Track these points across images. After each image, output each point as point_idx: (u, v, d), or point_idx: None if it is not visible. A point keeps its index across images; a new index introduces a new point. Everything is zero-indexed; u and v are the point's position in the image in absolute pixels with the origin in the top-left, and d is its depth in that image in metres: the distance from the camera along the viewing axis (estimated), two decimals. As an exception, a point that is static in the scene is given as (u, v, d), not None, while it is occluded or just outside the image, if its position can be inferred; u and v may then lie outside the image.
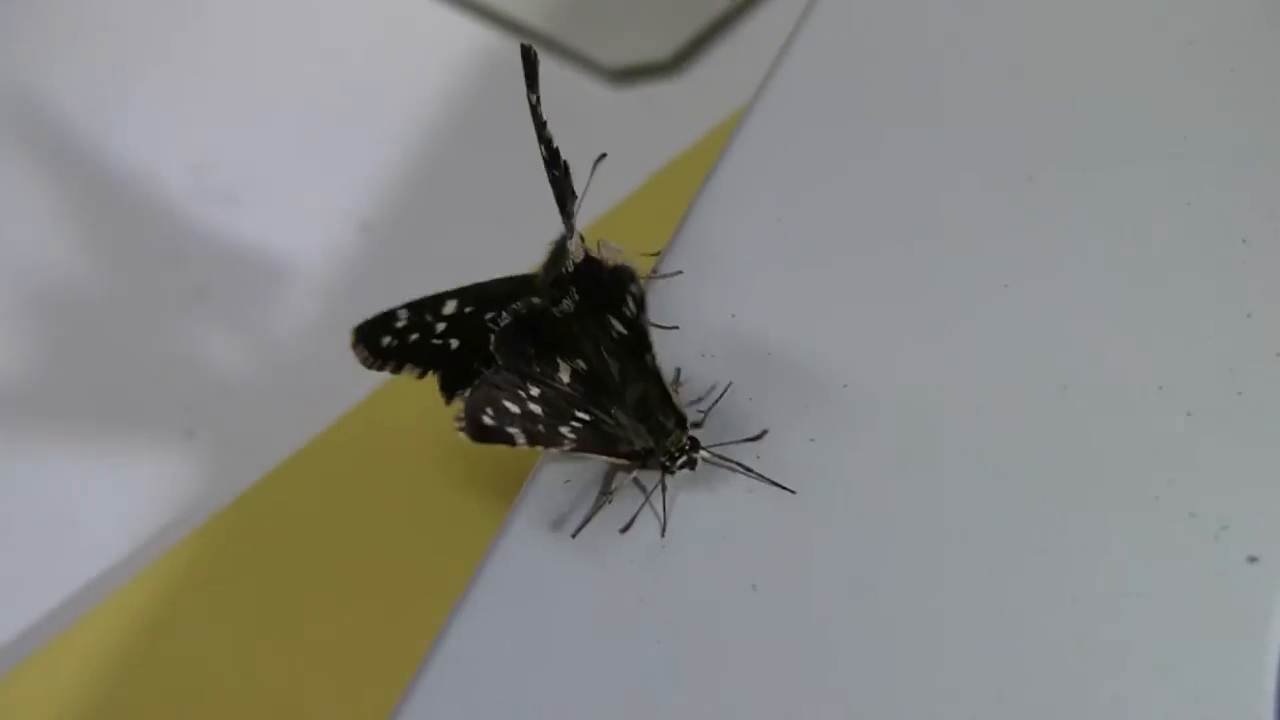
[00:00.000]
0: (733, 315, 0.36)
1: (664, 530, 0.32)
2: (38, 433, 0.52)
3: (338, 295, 0.53)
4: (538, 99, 0.37)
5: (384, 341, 0.36)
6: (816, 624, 0.31)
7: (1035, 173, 0.37)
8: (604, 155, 0.37)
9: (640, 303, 0.32)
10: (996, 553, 0.31)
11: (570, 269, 0.35)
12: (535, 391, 0.33)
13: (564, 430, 0.33)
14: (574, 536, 0.33)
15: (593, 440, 0.33)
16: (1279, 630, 0.29)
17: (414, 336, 0.36)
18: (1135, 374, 0.33)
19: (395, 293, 0.52)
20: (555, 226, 0.42)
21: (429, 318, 0.36)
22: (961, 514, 0.32)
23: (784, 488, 0.32)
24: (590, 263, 0.35)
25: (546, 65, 0.58)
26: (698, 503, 0.33)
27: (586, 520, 0.33)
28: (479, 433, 0.32)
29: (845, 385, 0.34)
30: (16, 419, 0.52)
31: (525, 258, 0.48)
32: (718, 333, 0.35)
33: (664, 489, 0.33)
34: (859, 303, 0.35)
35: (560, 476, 0.34)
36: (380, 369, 0.36)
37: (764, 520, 0.32)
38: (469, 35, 0.61)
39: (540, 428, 0.33)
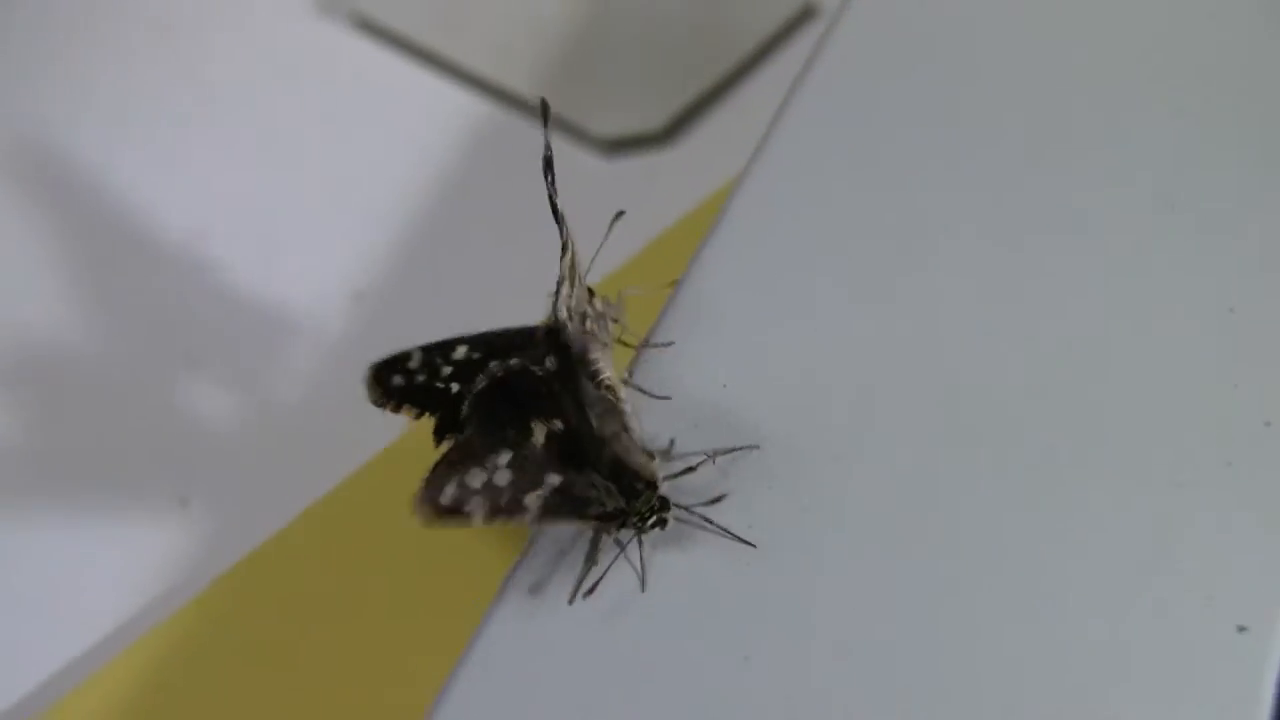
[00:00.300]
0: (724, 385, 0.36)
1: (643, 585, 0.33)
2: (31, 499, 0.52)
3: (330, 364, 0.53)
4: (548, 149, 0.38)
5: (394, 381, 0.36)
6: (810, 692, 0.31)
7: (1024, 239, 0.38)
8: (621, 213, 0.38)
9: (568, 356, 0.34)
10: (984, 620, 0.31)
11: (553, 324, 0.36)
12: (504, 459, 0.34)
13: (530, 499, 0.33)
14: (570, 604, 0.33)
15: (561, 506, 0.33)
16: (1267, 699, 0.29)
17: (421, 378, 0.36)
18: (1123, 444, 0.33)
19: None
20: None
21: (439, 360, 0.37)
22: (946, 583, 0.32)
23: (746, 542, 0.33)
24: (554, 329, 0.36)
25: (534, 133, 0.59)
26: (685, 561, 0.33)
27: (578, 588, 0.33)
28: (435, 514, 0.32)
29: (837, 457, 0.34)
30: (9, 484, 0.52)
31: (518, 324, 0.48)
32: (710, 403, 0.35)
33: (640, 546, 0.33)
34: (852, 373, 0.36)
35: (555, 547, 0.34)
36: (385, 407, 0.36)
37: (758, 584, 0.32)
38: (463, 106, 0.62)
39: (503, 500, 0.33)
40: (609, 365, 0.36)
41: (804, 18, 0.61)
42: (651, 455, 0.34)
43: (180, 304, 0.56)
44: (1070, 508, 0.33)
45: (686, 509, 0.34)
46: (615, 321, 0.38)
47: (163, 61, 0.65)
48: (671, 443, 0.35)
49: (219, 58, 0.65)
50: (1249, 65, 0.41)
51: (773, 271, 0.38)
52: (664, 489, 0.33)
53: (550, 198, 0.36)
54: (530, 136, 0.59)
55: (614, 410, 0.34)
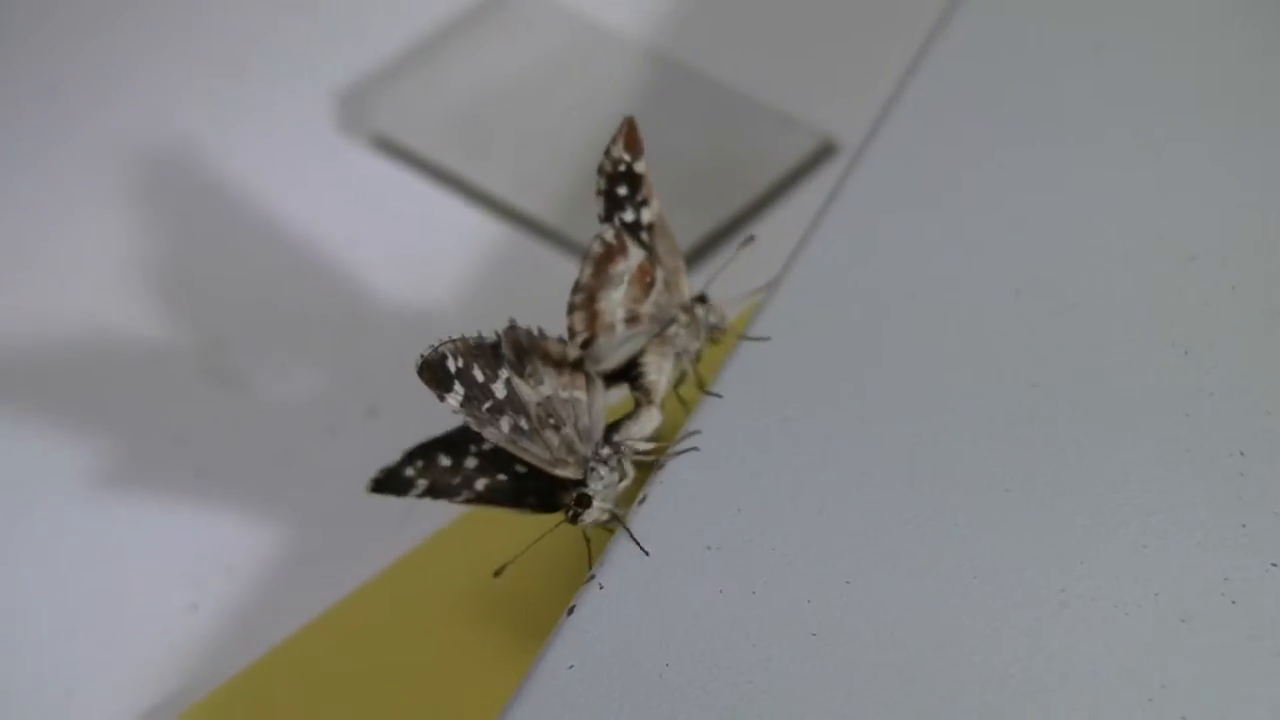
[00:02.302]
0: (739, 510, 0.36)
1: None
2: (36, 603, 0.52)
3: (343, 478, 0.54)
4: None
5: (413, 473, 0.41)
6: None
7: (1037, 380, 0.38)
8: (752, 237, 0.42)
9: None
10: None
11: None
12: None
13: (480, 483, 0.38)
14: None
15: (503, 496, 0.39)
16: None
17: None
18: (1131, 581, 0.34)
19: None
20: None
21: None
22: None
23: (644, 550, 0.35)
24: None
25: (553, 258, 0.59)
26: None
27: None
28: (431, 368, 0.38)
29: (848, 582, 0.34)
30: (16, 588, 0.52)
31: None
32: (723, 526, 0.36)
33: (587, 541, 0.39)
34: (862, 501, 0.36)
35: (564, 663, 0.34)
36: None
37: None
38: (482, 228, 0.62)
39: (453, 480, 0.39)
40: (659, 371, 0.38)
41: (824, 154, 0.62)
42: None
43: (193, 417, 0.57)
44: (1077, 642, 0.33)
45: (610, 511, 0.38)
46: (715, 329, 0.40)
47: (185, 177, 0.66)
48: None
49: (238, 173, 0.66)
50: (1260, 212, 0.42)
51: (788, 401, 0.39)
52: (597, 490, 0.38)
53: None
54: (547, 260, 0.60)
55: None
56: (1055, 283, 0.40)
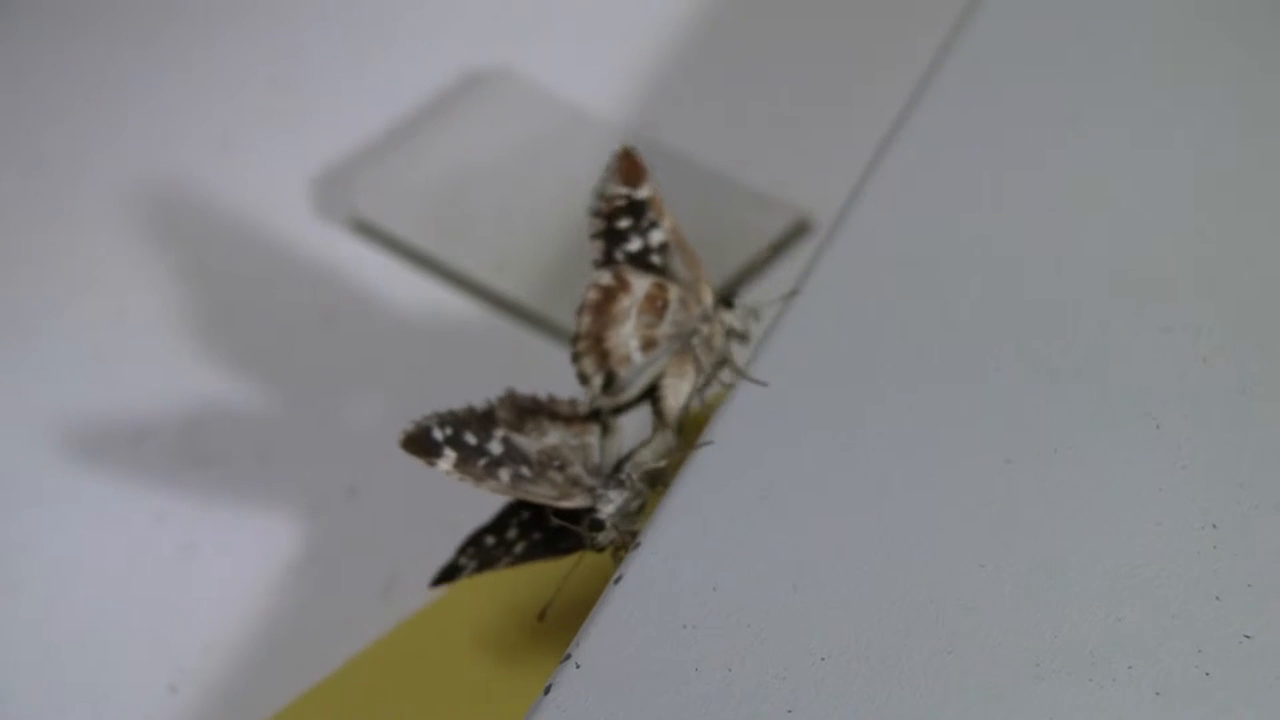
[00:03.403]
0: (715, 588, 0.36)
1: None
2: (14, 689, 0.52)
3: (323, 559, 0.54)
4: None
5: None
6: None
7: (1012, 457, 0.38)
8: (795, 291, 0.42)
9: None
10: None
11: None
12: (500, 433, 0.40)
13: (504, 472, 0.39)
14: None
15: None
16: None
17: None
18: (1105, 654, 0.34)
19: (382, 557, 0.53)
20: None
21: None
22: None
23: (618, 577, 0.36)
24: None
25: (533, 341, 0.60)
26: None
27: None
28: (418, 441, 0.39)
29: (823, 658, 0.35)
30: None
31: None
32: (700, 604, 0.36)
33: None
34: (837, 579, 0.36)
35: None
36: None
37: None
38: (460, 310, 0.62)
39: (481, 463, 0.40)
40: (676, 394, 0.38)
41: (799, 231, 0.62)
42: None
43: (174, 496, 0.57)
44: (1050, 715, 0.33)
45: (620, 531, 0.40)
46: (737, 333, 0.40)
47: (165, 258, 0.66)
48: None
49: (217, 254, 0.66)
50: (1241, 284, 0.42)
51: (765, 478, 0.39)
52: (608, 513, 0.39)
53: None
54: (526, 343, 0.60)
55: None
56: (1029, 357, 0.40)
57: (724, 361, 0.41)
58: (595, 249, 0.41)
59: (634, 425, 0.43)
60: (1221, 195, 0.44)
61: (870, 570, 0.36)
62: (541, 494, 0.39)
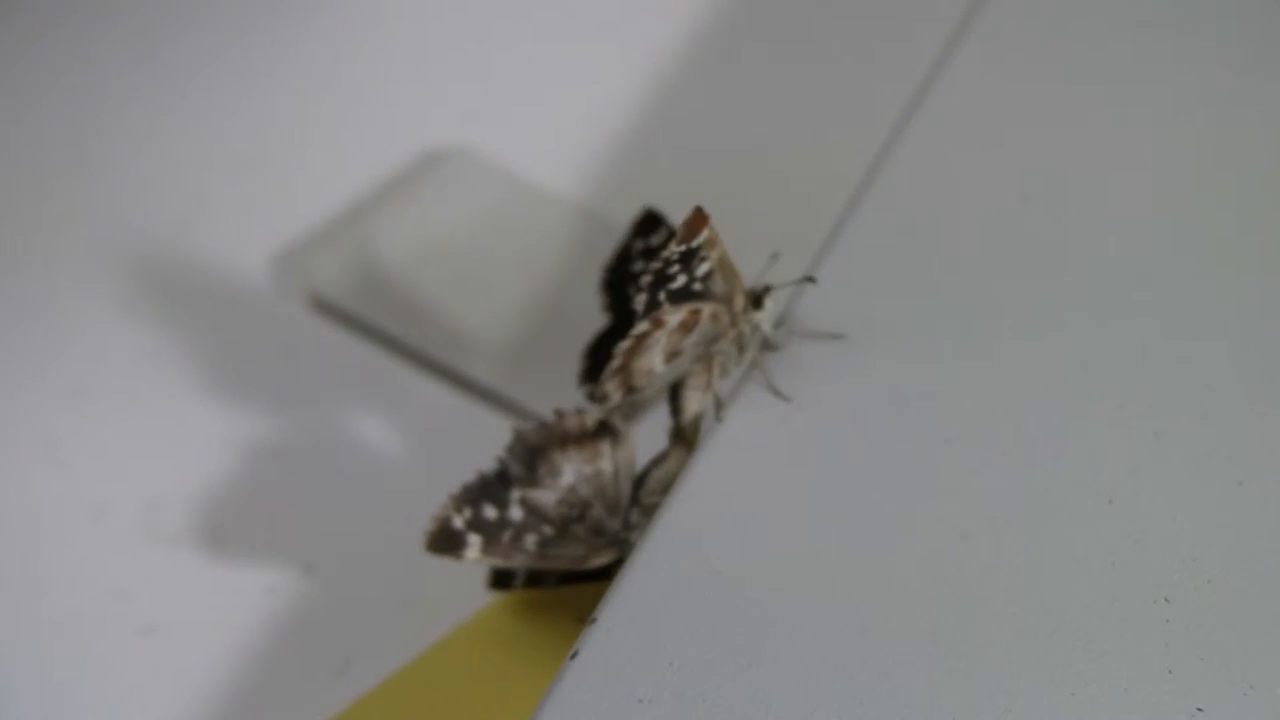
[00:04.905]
0: (671, 663, 0.36)
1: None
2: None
3: (280, 638, 0.54)
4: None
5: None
6: None
7: (968, 531, 0.38)
8: (812, 278, 0.42)
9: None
10: None
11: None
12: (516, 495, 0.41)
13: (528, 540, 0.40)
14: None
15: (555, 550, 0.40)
16: None
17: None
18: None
19: (339, 634, 0.53)
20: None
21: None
22: None
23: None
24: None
25: (494, 420, 0.60)
26: None
27: None
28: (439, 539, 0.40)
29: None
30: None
31: (470, 604, 0.49)
32: (655, 680, 0.36)
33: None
34: (791, 656, 0.36)
35: None
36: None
37: None
38: (419, 390, 0.63)
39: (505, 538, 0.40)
40: (697, 404, 0.39)
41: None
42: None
43: (135, 575, 0.57)
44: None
45: None
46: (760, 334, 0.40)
47: (123, 338, 0.66)
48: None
49: (178, 336, 0.66)
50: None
51: (719, 552, 0.39)
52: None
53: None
54: (484, 422, 0.60)
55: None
56: (983, 433, 0.41)
57: (752, 364, 0.41)
58: (639, 301, 0.39)
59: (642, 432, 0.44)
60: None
61: (823, 648, 0.36)
62: (569, 556, 0.40)
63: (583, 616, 0.38)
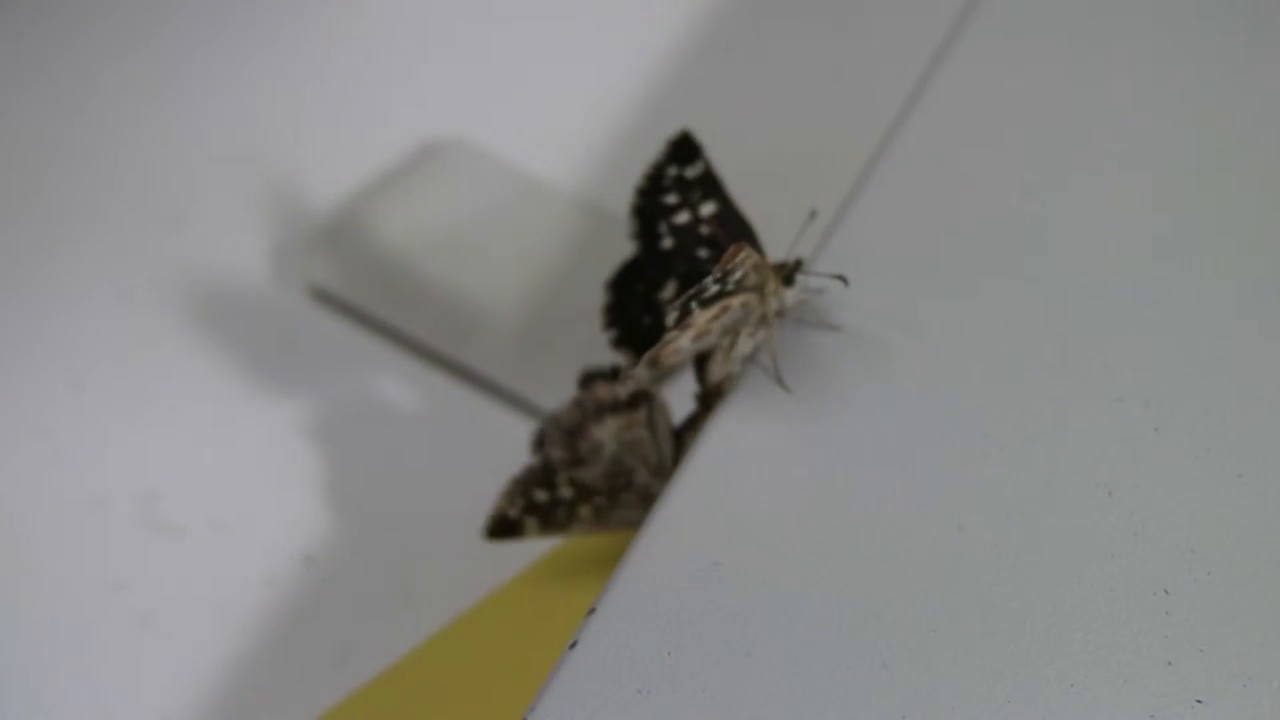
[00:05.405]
0: (669, 653, 0.36)
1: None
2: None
3: (279, 629, 0.54)
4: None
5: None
6: None
7: (964, 523, 0.38)
8: (815, 212, 0.42)
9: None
10: None
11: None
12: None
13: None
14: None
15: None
16: None
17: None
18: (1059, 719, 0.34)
19: (337, 626, 0.53)
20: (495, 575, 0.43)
21: None
22: None
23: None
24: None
25: (490, 408, 0.60)
26: None
27: None
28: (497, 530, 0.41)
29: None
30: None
31: (470, 595, 0.49)
32: (654, 669, 0.36)
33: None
34: (792, 644, 0.36)
35: None
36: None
37: None
38: (418, 377, 0.63)
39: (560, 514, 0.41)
40: (721, 366, 0.39)
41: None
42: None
43: (132, 566, 0.57)
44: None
45: None
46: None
47: (121, 330, 0.66)
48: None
49: (176, 328, 0.66)
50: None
51: (718, 546, 0.39)
52: None
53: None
54: (485, 413, 0.60)
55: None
56: (980, 424, 0.41)
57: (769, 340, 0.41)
58: (671, 318, 0.39)
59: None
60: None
61: (824, 638, 0.36)
62: (625, 520, 0.40)
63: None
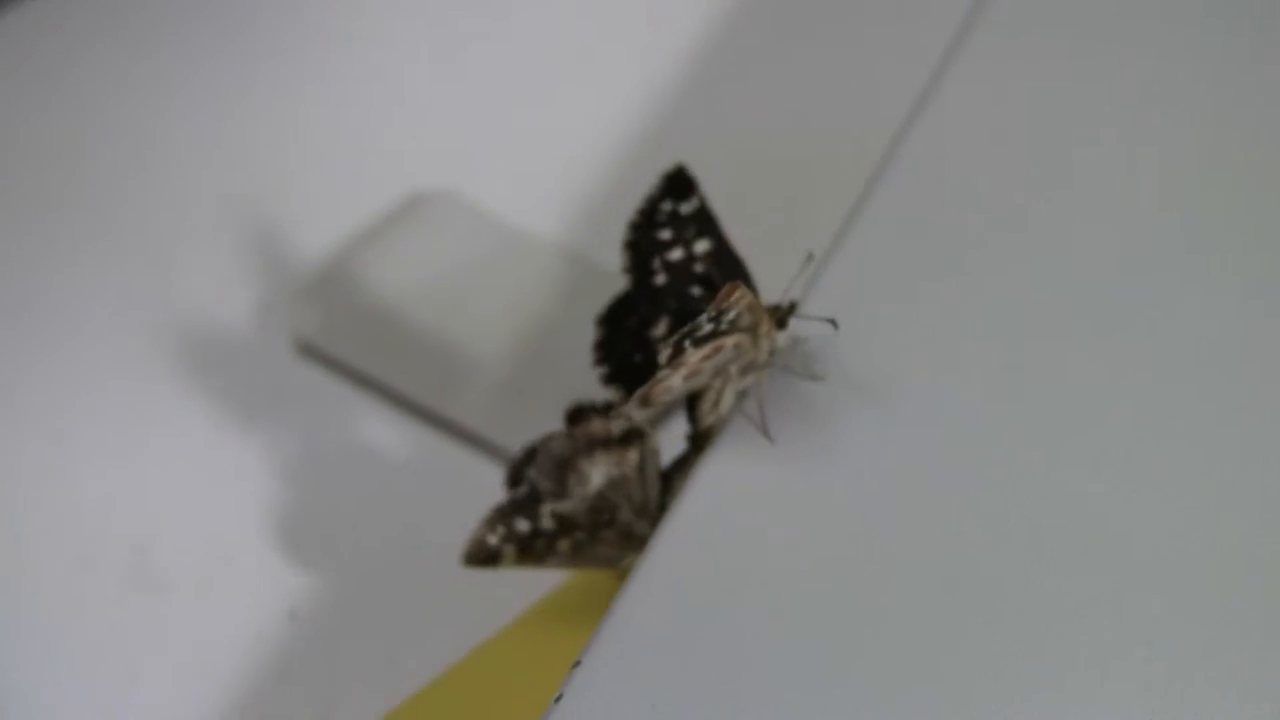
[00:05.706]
0: (652, 706, 0.36)
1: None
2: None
3: (265, 681, 0.53)
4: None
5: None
6: None
7: (955, 574, 0.38)
8: (812, 255, 0.42)
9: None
10: None
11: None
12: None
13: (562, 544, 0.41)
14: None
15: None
16: None
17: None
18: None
19: (322, 682, 0.53)
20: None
21: None
22: None
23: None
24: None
25: (474, 462, 0.60)
26: None
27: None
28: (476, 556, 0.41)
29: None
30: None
31: (456, 646, 0.49)
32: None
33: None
34: (775, 702, 0.36)
35: None
36: None
37: None
38: (404, 433, 0.62)
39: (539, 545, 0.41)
40: (711, 410, 0.38)
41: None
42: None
43: (120, 623, 0.56)
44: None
45: None
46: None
47: (104, 386, 0.65)
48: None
49: (161, 384, 0.65)
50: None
51: (701, 602, 0.39)
52: None
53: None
54: (471, 466, 0.60)
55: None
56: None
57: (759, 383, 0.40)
58: (662, 356, 0.38)
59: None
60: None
61: (811, 700, 0.36)
62: (602, 558, 0.40)
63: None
